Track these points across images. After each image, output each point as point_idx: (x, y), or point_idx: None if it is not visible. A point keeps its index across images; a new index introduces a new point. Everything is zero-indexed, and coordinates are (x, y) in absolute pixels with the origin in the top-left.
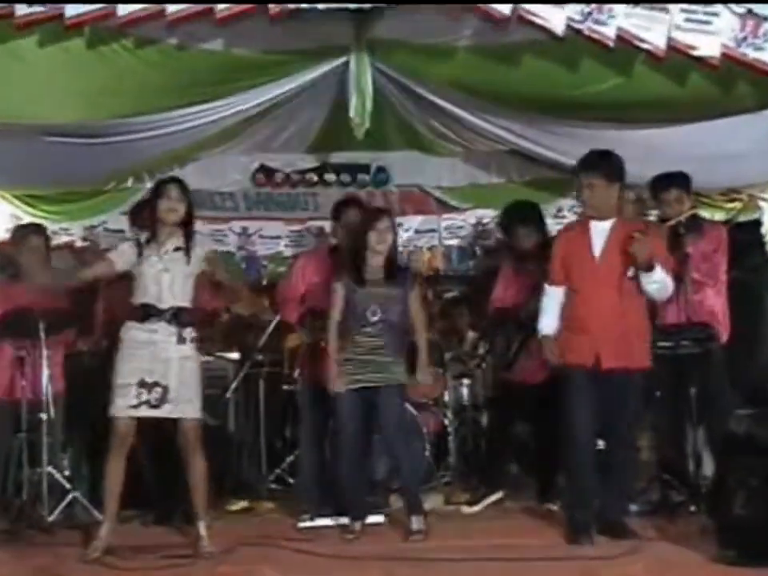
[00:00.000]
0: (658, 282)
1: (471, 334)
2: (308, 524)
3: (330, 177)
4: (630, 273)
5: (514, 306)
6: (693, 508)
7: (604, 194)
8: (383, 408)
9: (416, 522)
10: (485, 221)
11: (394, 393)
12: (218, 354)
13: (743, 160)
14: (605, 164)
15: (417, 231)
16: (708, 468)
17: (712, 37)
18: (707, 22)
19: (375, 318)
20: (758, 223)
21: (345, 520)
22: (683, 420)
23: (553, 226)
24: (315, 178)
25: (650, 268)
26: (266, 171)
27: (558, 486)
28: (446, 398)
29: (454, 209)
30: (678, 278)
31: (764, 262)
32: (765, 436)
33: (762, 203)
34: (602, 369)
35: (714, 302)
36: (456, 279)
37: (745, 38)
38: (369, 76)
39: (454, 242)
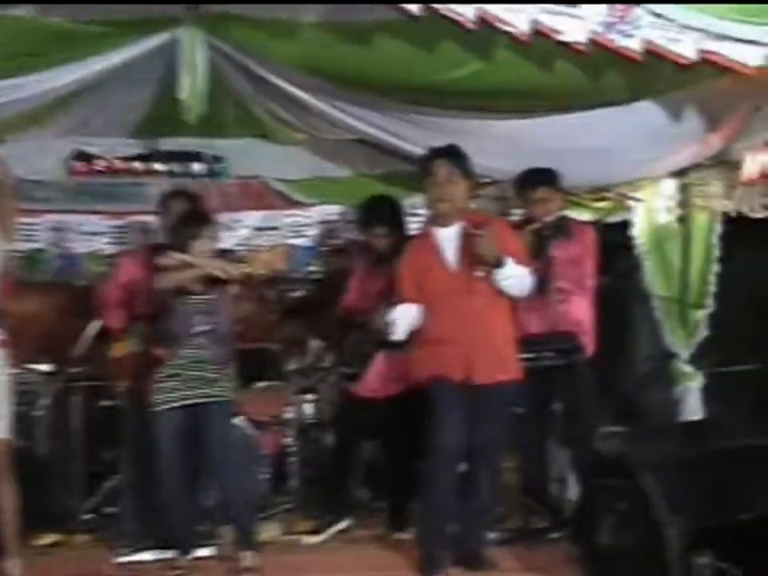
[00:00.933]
0: (513, 275)
1: (316, 344)
2: (128, 558)
3: (159, 166)
4: (481, 272)
5: (364, 311)
6: (556, 535)
7: (450, 192)
8: (209, 428)
9: (248, 558)
10: (332, 218)
11: (222, 410)
12: (26, 365)
13: (612, 155)
14: (445, 156)
15: (257, 229)
16: (573, 492)
17: (579, 21)
18: (574, 6)
19: (199, 329)
20: (627, 224)
21: (170, 554)
22: (547, 439)
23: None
24: (141, 167)
25: (499, 263)
26: (84, 158)
27: (411, 512)
28: (288, 415)
29: (298, 204)
30: (543, 283)
31: (634, 266)
32: (634, 456)
33: (631, 203)
34: (473, 382)
35: (581, 310)
36: (300, 282)
37: (613, 24)
38: (202, 53)
39: (298, 240)
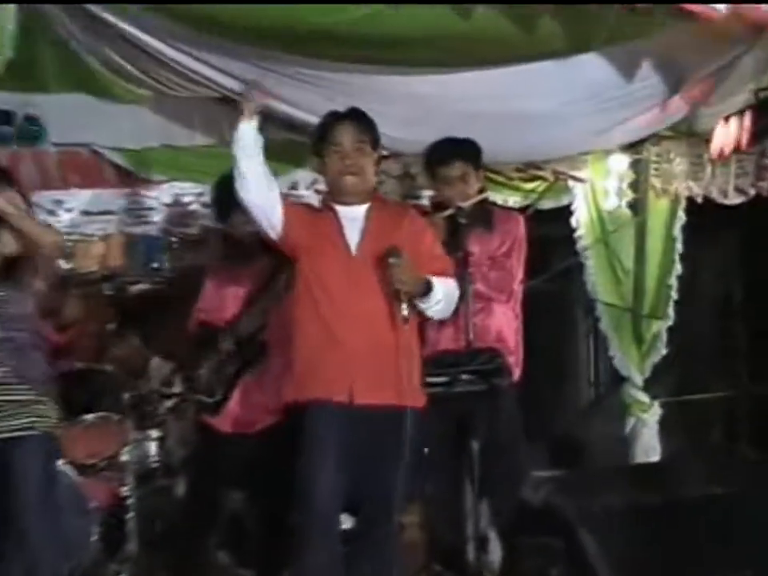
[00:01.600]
0: (442, 298)
1: (161, 364)
2: None
3: None
4: (405, 312)
5: (226, 320)
6: None
7: (358, 163)
8: (14, 471)
9: None
10: (186, 199)
11: (34, 448)
12: None
13: (547, 123)
14: (352, 121)
15: (85, 213)
16: (495, 552)
17: None
18: None
19: None
20: (565, 211)
21: None
22: (462, 486)
23: None
24: None
25: (426, 291)
26: None
27: None
28: (125, 457)
29: (140, 181)
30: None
31: (575, 265)
32: (571, 508)
33: (571, 184)
34: (355, 404)
35: (505, 321)
36: (143, 283)
37: None
38: None
39: (140, 228)
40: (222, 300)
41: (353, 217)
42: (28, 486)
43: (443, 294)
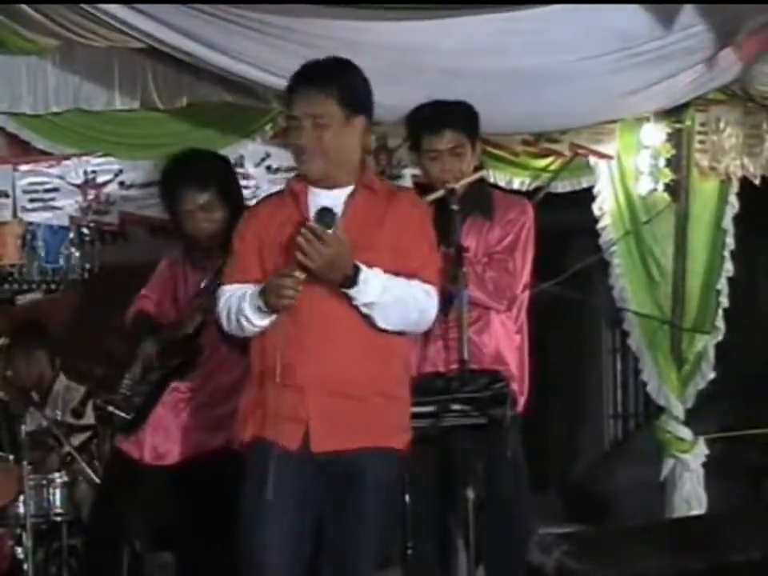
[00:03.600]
0: (379, 301)
1: (69, 389)
2: None
3: None
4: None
5: (165, 326)
6: None
7: (333, 136)
8: None
9: None
10: (101, 179)
11: None
12: None
13: (564, 82)
14: (324, 78)
15: None
16: None
17: None
18: None
19: None
20: (588, 196)
21: None
22: (453, 548)
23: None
24: None
25: (347, 281)
26: None
27: None
28: (20, 508)
29: (41, 155)
30: (444, 292)
31: (598, 264)
32: (592, 573)
33: (595, 161)
34: (312, 452)
35: (506, 336)
36: (48, 284)
37: None
38: None
39: (41, 215)
40: (158, 303)
41: (329, 204)
42: None
43: (390, 297)
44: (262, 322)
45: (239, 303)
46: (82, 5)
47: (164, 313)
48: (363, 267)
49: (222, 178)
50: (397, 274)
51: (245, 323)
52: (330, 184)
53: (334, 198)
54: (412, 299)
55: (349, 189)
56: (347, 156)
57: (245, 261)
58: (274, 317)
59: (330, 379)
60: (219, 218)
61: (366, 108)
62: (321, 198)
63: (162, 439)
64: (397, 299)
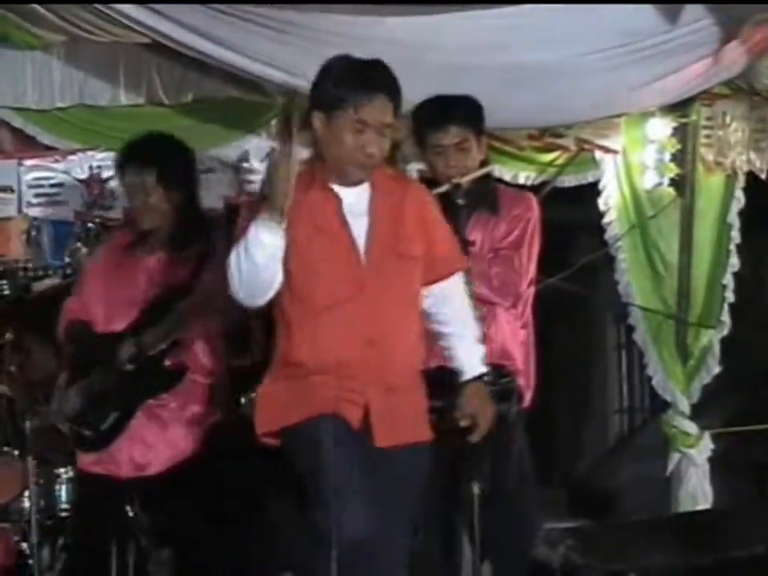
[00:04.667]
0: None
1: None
2: None
3: None
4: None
5: (119, 329)
6: None
7: (386, 148)
8: None
9: None
10: (106, 174)
11: None
12: None
13: (569, 77)
14: (395, 95)
15: None
16: None
17: None
18: None
19: None
20: (593, 190)
21: None
22: (457, 543)
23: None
24: None
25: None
26: None
27: None
28: (26, 503)
29: (47, 150)
30: None
31: (603, 258)
32: (594, 569)
33: (601, 155)
34: (374, 446)
35: (512, 332)
36: (51, 278)
37: None
38: None
39: (46, 210)
40: (112, 299)
41: (356, 202)
42: None
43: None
44: (272, 239)
45: (245, 239)
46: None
47: (117, 313)
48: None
49: (164, 161)
50: (428, 263)
51: (255, 251)
52: (356, 177)
53: (358, 195)
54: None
55: (366, 185)
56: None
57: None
58: (283, 228)
59: (388, 373)
60: (166, 210)
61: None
62: (349, 197)
63: (142, 450)
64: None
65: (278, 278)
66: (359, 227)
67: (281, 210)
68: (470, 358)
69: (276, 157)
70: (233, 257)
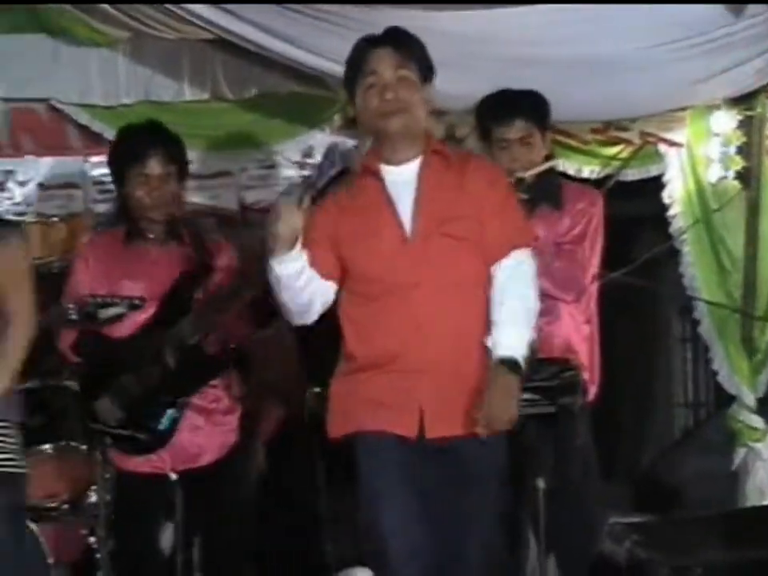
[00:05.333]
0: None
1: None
2: None
3: None
4: None
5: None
6: None
7: (405, 99)
8: None
9: None
10: None
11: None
12: None
13: (633, 70)
14: (399, 48)
15: (43, 186)
16: None
17: None
18: None
19: None
20: (658, 184)
21: None
22: (522, 537)
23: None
24: None
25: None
26: None
27: None
28: (93, 498)
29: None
30: None
31: (668, 252)
32: (660, 564)
33: (665, 148)
34: (426, 438)
35: (575, 326)
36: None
37: None
38: None
39: (112, 207)
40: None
41: (403, 181)
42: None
43: (526, 330)
44: (283, 268)
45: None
46: None
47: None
48: (505, 354)
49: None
50: (486, 242)
51: (277, 288)
52: (404, 155)
53: (406, 172)
54: (528, 301)
55: (417, 161)
56: (422, 121)
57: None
58: (295, 253)
59: (445, 363)
60: (161, 196)
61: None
62: (394, 175)
63: (193, 442)
64: (528, 321)
65: (319, 292)
66: (406, 205)
67: (288, 245)
68: (505, 339)
69: (285, 202)
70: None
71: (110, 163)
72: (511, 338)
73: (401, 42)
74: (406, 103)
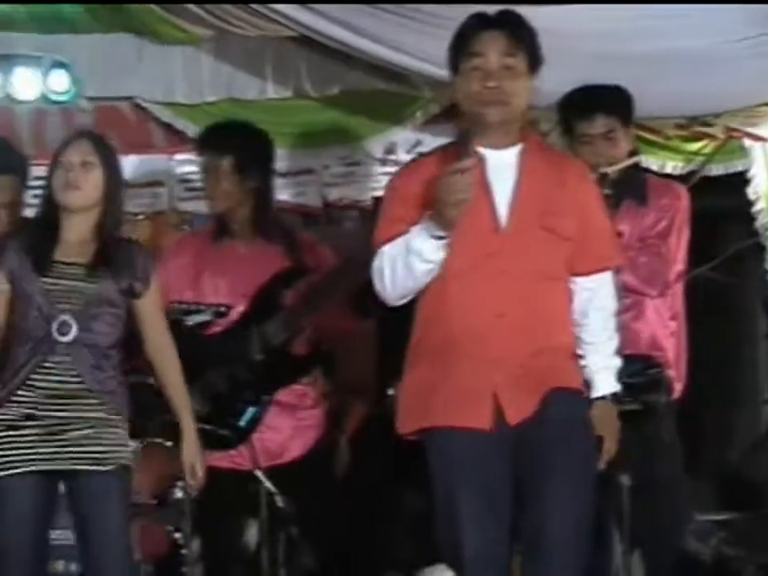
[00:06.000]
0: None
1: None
2: None
3: None
4: None
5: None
6: None
7: (509, 85)
8: (90, 514)
9: None
10: None
11: (112, 486)
12: None
13: (717, 64)
14: (508, 30)
15: (129, 184)
16: None
17: None
18: None
19: (68, 338)
20: (742, 179)
21: None
22: (607, 534)
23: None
24: None
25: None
26: None
27: None
28: (179, 494)
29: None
30: None
31: (753, 248)
32: (747, 561)
33: (750, 143)
34: (509, 425)
35: (661, 323)
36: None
37: None
38: None
39: (198, 204)
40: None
41: (502, 166)
42: (106, 533)
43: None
44: (435, 254)
45: (405, 245)
46: None
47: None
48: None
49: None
50: (582, 248)
51: (416, 263)
52: (503, 141)
53: (506, 157)
54: (609, 321)
55: (516, 148)
56: (523, 108)
57: (405, 219)
58: (447, 245)
59: (523, 346)
60: (253, 196)
61: (536, 63)
62: (494, 159)
63: (276, 439)
64: (614, 340)
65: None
66: (504, 191)
67: (452, 222)
68: (604, 374)
69: (455, 169)
70: (387, 259)
71: None
72: (613, 370)
73: (512, 27)
74: (508, 95)
